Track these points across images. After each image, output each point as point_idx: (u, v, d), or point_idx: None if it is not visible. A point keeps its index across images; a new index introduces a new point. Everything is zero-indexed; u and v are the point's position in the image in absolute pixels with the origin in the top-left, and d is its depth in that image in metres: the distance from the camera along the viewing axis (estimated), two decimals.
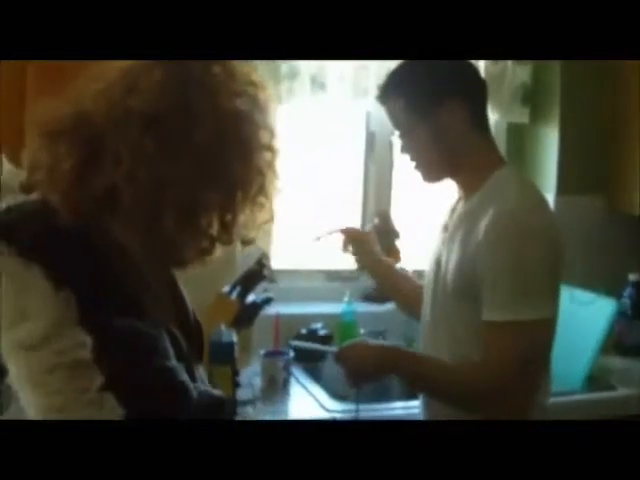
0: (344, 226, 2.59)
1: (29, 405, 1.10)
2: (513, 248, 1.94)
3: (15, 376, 1.11)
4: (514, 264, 1.94)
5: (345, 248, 2.55)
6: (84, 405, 1.08)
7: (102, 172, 1.20)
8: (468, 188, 2.13)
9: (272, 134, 1.31)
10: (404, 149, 2.18)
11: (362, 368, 2.14)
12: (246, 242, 1.37)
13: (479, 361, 1.99)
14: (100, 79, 1.27)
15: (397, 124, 2.17)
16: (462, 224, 2.08)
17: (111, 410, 1.08)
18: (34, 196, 1.28)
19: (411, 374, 2.13)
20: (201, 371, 1.37)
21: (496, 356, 1.96)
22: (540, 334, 1.99)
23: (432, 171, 2.17)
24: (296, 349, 2.74)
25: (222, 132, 1.24)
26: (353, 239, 2.55)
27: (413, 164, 2.18)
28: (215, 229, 1.29)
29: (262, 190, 1.30)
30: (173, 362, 1.18)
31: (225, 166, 1.26)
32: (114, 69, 1.27)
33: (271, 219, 1.37)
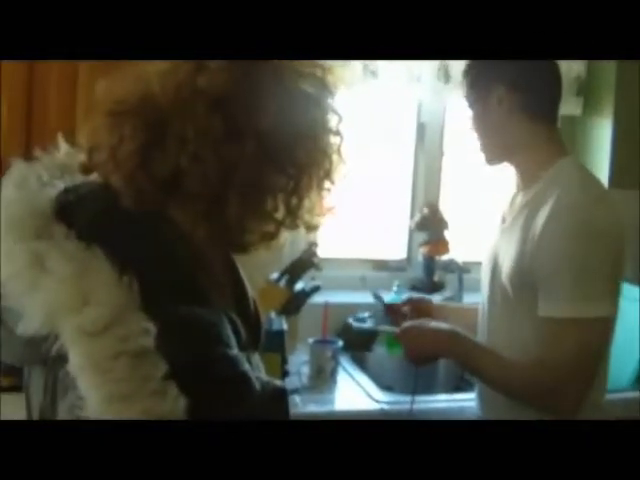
0: (414, 298, 2.62)
1: (90, 394, 1.06)
2: (576, 243, 1.91)
3: (76, 363, 1.07)
4: (577, 259, 1.91)
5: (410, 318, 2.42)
6: (148, 394, 1.05)
7: (167, 154, 1.19)
8: (527, 178, 2.11)
9: (339, 118, 1.29)
10: (471, 126, 2.20)
11: (421, 348, 2.17)
12: (311, 228, 1.33)
13: (538, 357, 1.97)
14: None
15: (466, 101, 2.21)
16: (521, 215, 2.06)
17: (174, 400, 1.05)
18: (93, 177, 1.28)
19: (469, 361, 2.12)
20: (257, 360, 1.36)
21: (555, 353, 1.93)
22: (600, 332, 1.96)
23: (485, 152, 2.18)
24: (352, 332, 2.76)
25: (289, 113, 1.22)
26: (418, 311, 2.49)
27: (477, 143, 2.20)
28: (280, 213, 1.26)
29: (328, 175, 1.28)
30: (235, 351, 1.15)
31: (292, 148, 1.23)
32: None
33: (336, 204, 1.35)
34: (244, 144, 1.19)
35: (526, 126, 2.11)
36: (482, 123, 2.15)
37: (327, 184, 1.29)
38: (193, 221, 1.22)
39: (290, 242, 2.11)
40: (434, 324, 2.20)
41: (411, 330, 2.21)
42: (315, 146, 1.26)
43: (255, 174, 1.21)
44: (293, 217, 1.28)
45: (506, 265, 2.06)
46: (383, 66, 3.21)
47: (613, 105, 3.44)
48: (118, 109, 1.23)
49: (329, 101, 1.28)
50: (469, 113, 2.18)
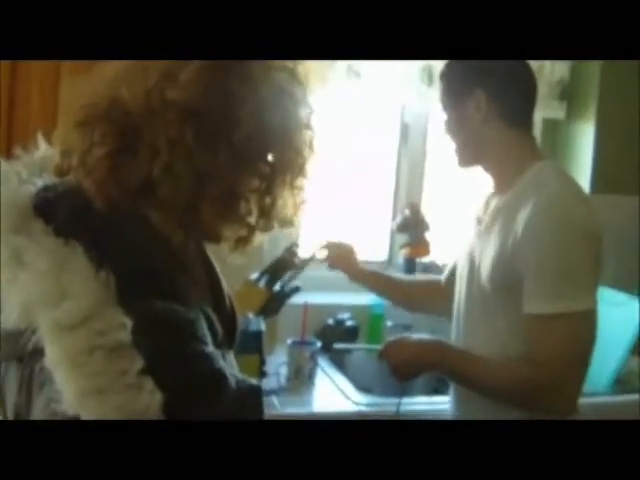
0: (327, 242, 2.74)
1: (66, 387, 1.06)
2: (556, 240, 1.93)
3: (53, 357, 1.07)
4: (557, 256, 1.93)
5: (330, 265, 2.74)
6: (123, 388, 1.05)
7: (139, 163, 1.18)
8: (503, 181, 2.12)
9: (311, 111, 1.26)
10: (444, 129, 2.21)
11: (406, 364, 2.14)
12: (285, 225, 1.31)
13: (526, 357, 1.96)
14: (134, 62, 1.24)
15: (441, 104, 2.22)
16: (499, 217, 2.07)
17: (150, 394, 1.05)
18: (69, 177, 1.26)
19: (455, 370, 2.11)
20: (232, 358, 1.35)
21: (546, 350, 1.93)
22: (588, 325, 1.96)
23: (458, 155, 2.19)
24: (328, 343, 2.77)
25: (261, 115, 1.20)
26: (337, 254, 2.71)
27: (451, 146, 2.21)
28: (254, 216, 1.25)
29: (301, 171, 1.27)
30: (211, 348, 1.15)
31: (264, 150, 1.23)
32: None
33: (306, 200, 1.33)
34: (217, 153, 1.19)
35: (502, 133, 2.12)
36: (457, 127, 2.16)
37: (300, 181, 1.28)
38: (168, 225, 1.21)
39: (270, 241, 2.11)
40: (417, 337, 2.20)
41: (394, 346, 2.20)
42: (289, 143, 1.25)
43: (228, 181, 1.21)
44: (267, 218, 1.27)
45: (485, 266, 2.06)
46: (367, 67, 3.21)
47: (596, 109, 3.44)
48: (88, 113, 1.21)
49: (300, 94, 1.25)
50: (444, 116, 2.19)
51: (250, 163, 1.22)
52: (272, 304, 2.71)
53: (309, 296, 2.96)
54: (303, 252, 2.81)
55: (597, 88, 3.44)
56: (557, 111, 3.51)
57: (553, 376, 1.93)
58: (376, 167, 3.60)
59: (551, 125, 3.59)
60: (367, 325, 3.19)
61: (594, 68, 3.44)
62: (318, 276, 3.13)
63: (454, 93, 2.15)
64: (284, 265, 2.70)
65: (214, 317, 1.24)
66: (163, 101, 1.18)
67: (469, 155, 2.17)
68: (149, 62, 1.22)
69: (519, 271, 1.96)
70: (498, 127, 2.11)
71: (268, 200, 1.25)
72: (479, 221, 2.20)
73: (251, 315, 2.47)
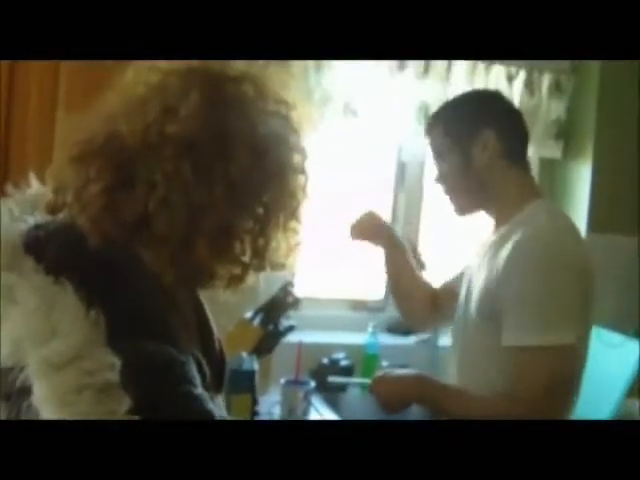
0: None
1: None
2: (535, 272, 1.93)
3: (41, 395, 1.07)
4: (536, 288, 1.93)
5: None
6: None
7: (134, 197, 1.18)
8: (500, 219, 2.12)
9: (305, 156, 1.28)
10: (439, 178, 2.20)
11: (392, 398, 2.16)
12: (277, 268, 1.33)
13: (508, 390, 1.96)
14: (131, 96, 1.24)
15: (435, 151, 2.20)
16: (489, 253, 2.08)
17: None
18: (61, 216, 1.27)
19: (437, 405, 2.11)
20: (220, 401, 1.35)
21: (525, 384, 1.92)
22: (568, 360, 1.96)
23: (463, 202, 2.18)
24: (323, 382, 2.74)
25: (257, 155, 1.22)
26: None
27: (447, 196, 2.19)
28: (247, 256, 1.26)
29: (295, 214, 1.28)
30: (200, 390, 1.15)
31: (259, 190, 1.24)
32: (145, 86, 1.25)
33: (302, 243, 1.34)
34: (214, 188, 1.19)
35: (505, 172, 2.13)
36: (461, 172, 2.14)
37: (294, 224, 1.29)
38: (161, 263, 1.21)
39: (265, 280, 2.10)
40: (400, 372, 2.23)
41: (380, 381, 2.22)
42: (282, 187, 1.26)
43: (224, 217, 1.21)
44: (260, 259, 1.28)
45: (474, 299, 2.08)
46: (363, 105, 3.22)
47: (592, 149, 3.45)
48: (84, 149, 1.23)
49: (295, 138, 1.27)
50: (441, 163, 2.18)
51: (245, 201, 1.23)
52: (266, 343, 2.70)
53: (304, 335, 2.94)
54: (298, 291, 2.80)
55: (593, 127, 3.45)
56: (554, 150, 3.52)
57: (532, 411, 1.91)
58: (373, 206, 3.59)
59: (548, 164, 3.59)
60: (362, 365, 3.17)
61: (590, 107, 3.45)
62: (313, 315, 3.13)
63: (457, 135, 2.13)
64: (278, 304, 2.69)
65: (203, 360, 1.24)
66: (162, 136, 1.19)
67: (472, 201, 2.17)
68: (147, 97, 1.23)
69: (501, 302, 1.97)
70: (502, 167, 2.12)
71: (261, 241, 1.26)
72: (477, 255, 2.20)
73: (244, 354, 2.45)
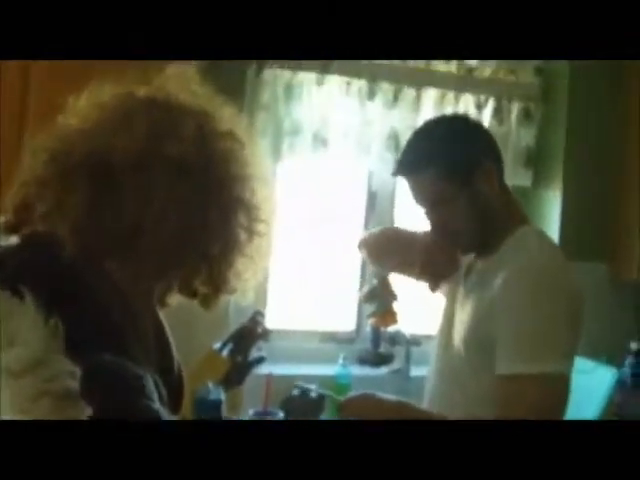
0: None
1: None
2: (532, 301, 1.91)
3: (1, 403, 1.07)
4: (533, 316, 1.91)
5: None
6: None
7: (121, 211, 1.22)
8: (487, 246, 2.09)
9: (254, 190, 1.33)
10: (437, 223, 2.09)
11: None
12: (231, 292, 1.38)
13: (493, 418, 1.91)
14: (112, 112, 1.27)
15: (427, 197, 2.07)
16: (479, 282, 2.06)
17: None
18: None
19: None
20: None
21: (517, 412, 1.87)
22: (561, 389, 1.93)
23: (470, 240, 2.10)
24: (295, 399, 2.71)
25: (210, 188, 1.27)
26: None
27: (450, 241, 2.12)
28: (203, 278, 1.32)
29: (250, 242, 1.33)
30: (158, 405, 1.17)
31: (245, 214, 1.30)
32: (130, 99, 1.27)
33: (258, 272, 1.39)
34: (207, 211, 1.25)
35: (502, 199, 2.10)
36: (464, 212, 2.05)
37: (250, 250, 1.34)
38: (132, 278, 1.26)
39: (235, 310, 2.10)
40: (380, 396, 2.16)
41: (355, 401, 2.17)
42: (235, 219, 1.31)
43: (193, 242, 1.27)
44: (215, 283, 1.34)
45: (461, 330, 2.05)
46: (333, 135, 3.21)
47: (562, 176, 3.45)
48: (65, 162, 1.25)
49: (251, 172, 1.32)
50: (438, 210, 2.07)
51: (214, 226, 1.27)
52: (235, 374, 2.65)
53: (274, 367, 2.91)
54: (268, 322, 2.78)
55: (562, 155, 3.45)
56: (524, 178, 3.52)
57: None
58: (343, 236, 3.58)
59: (518, 192, 3.58)
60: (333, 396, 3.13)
61: (559, 134, 3.47)
62: (283, 347, 3.10)
63: (455, 175, 2.04)
64: (248, 334, 2.65)
65: (159, 380, 1.25)
66: (158, 155, 1.23)
67: (476, 235, 2.09)
68: (132, 114, 1.26)
69: (493, 333, 1.94)
70: (499, 194, 2.09)
71: (220, 266, 1.32)
72: (458, 285, 2.17)
73: (210, 384, 2.41)
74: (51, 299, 1.14)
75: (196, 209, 1.24)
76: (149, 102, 1.27)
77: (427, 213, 2.10)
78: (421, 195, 2.08)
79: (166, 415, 1.17)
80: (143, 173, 1.22)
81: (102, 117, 1.27)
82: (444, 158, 2.04)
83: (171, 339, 1.44)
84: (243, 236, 1.31)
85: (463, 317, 2.06)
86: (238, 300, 1.43)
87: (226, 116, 1.33)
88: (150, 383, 1.19)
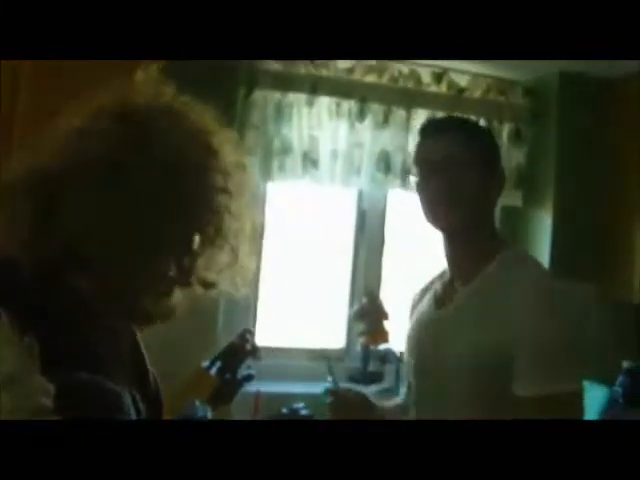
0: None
1: None
2: (553, 319, 1.88)
3: None
4: (554, 335, 1.87)
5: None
6: None
7: (60, 224, 1.20)
8: (469, 265, 2.07)
9: (226, 176, 1.31)
10: (440, 187, 2.03)
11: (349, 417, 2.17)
12: (207, 286, 1.35)
13: None
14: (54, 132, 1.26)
15: (446, 157, 2.03)
16: (474, 302, 2.02)
17: None
18: None
19: None
20: None
21: None
22: (580, 408, 1.92)
23: (463, 214, 2.03)
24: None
25: (174, 179, 1.24)
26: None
27: (443, 205, 2.03)
28: (173, 272, 1.29)
29: (219, 232, 1.30)
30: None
31: (181, 210, 1.26)
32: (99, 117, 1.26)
33: (234, 262, 1.35)
34: (138, 210, 1.22)
35: (493, 213, 2.10)
36: (471, 179, 2.02)
37: (220, 241, 1.31)
38: (91, 289, 1.23)
39: (224, 328, 2.09)
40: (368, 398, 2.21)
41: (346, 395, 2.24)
42: (203, 206, 1.29)
43: (148, 238, 1.23)
44: (186, 276, 1.30)
45: (463, 352, 1.99)
46: (323, 156, 3.23)
47: (553, 196, 3.47)
48: (9, 183, 1.24)
49: (214, 162, 1.30)
50: (446, 173, 2.02)
51: (167, 220, 1.25)
52: (223, 392, 2.66)
53: (263, 385, 2.92)
54: (257, 340, 2.78)
55: (553, 174, 3.47)
56: (514, 198, 3.54)
57: None
58: (333, 254, 3.59)
59: (509, 212, 3.60)
60: (322, 414, 3.13)
61: (550, 155, 3.49)
62: (272, 365, 3.10)
63: (482, 150, 2.06)
64: (236, 352, 2.66)
65: (137, 395, 1.25)
66: (86, 164, 1.20)
67: (471, 216, 2.03)
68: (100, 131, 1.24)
69: (509, 354, 1.91)
70: (492, 204, 2.08)
71: (186, 259, 1.29)
72: (437, 305, 2.15)
73: (197, 402, 2.42)
74: (25, 317, 1.13)
75: (156, 204, 1.23)
76: (118, 117, 1.27)
77: (430, 178, 2.05)
78: (440, 154, 2.04)
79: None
80: (75, 183, 1.21)
81: (71, 139, 1.26)
82: (476, 136, 2.09)
83: (144, 351, 1.44)
84: (211, 226, 1.30)
85: (462, 339, 2.02)
86: (223, 294, 1.40)
87: (195, 111, 1.32)
88: (127, 399, 1.19)
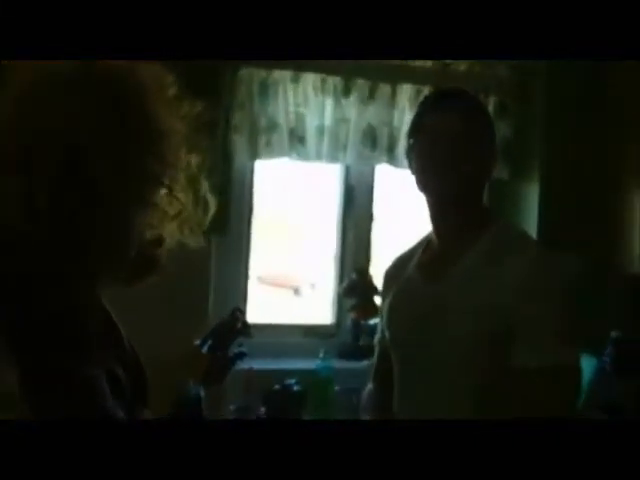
0: None
1: None
2: (555, 291, 1.96)
3: None
4: (555, 308, 1.93)
5: None
6: None
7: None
8: (466, 234, 2.08)
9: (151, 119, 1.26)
10: (443, 158, 2.03)
11: None
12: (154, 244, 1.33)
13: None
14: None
15: (456, 128, 2.04)
16: (470, 275, 2.03)
17: None
18: None
19: None
20: (146, 415, 1.34)
21: (538, 403, 1.90)
22: (580, 377, 1.98)
23: (465, 186, 2.06)
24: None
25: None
26: None
27: (446, 175, 2.04)
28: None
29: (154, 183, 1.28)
30: (110, 403, 1.15)
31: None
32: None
33: (177, 213, 1.33)
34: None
35: (489, 173, 2.13)
36: (476, 152, 2.04)
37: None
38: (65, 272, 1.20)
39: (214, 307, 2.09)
40: None
41: None
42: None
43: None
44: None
45: (462, 324, 2.00)
46: (310, 132, 3.23)
47: (538, 168, 3.47)
48: None
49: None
50: (452, 144, 2.03)
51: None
52: (215, 370, 2.67)
53: (255, 362, 2.93)
54: (249, 317, 2.79)
55: (539, 147, 3.48)
56: (501, 171, 3.53)
57: None
58: (320, 231, 3.60)
59: (497, 185, 3.59)
60: (314, 390, 3.15)
61: (536, 127, 3.49)
62: (264, 342, 3.11)
63: (488, 123, 2.14)
64: (227, 329, 2.66)
65: (120, 371, 1.24)
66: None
67: (468, 186, 2.07)
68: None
69: (506, 325, 1.93)
70: (487, 181, 2.15)
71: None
72: (427, 278, 2.15)
73: (191, 382, 2.43)
74: None
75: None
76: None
77: (434, 146, 2.05)
78: (447, 124, 2.05)
79: (121, 413, 1.16)
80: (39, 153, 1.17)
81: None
82: (479, 109, 2.17)
83: (122, 330, 1.40)
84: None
85: (461, 312, 2.01)
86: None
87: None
88: (102, 382, 1.17)
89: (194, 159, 1.34)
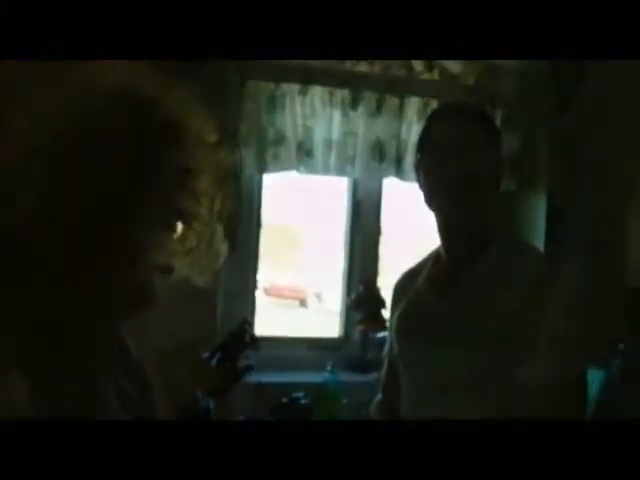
0: None
1: None
2: (569, 303, 1.95)
3: None
4: (563, 321, 1.91)
5: None
6: None
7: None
8: (475, 247, 2.08)
9: (188, 153, 1.22)
10: (456, 167, 2.01)
11: None
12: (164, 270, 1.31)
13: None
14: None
15: (467, 136, 2.05)
16: (478, 286, 2.04)
17: None
18: None
19: None
20: None
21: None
22: (585, 385, 2.02)
23: (468, 201, 2.03)
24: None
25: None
26: None
27: (459, 184, 2.01)
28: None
29: (180, 215, 1.24)
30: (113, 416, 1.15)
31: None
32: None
33: (195, 246, 1.29)
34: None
35: (499, 186, 2.13)
36: (485, 157, 2.05)
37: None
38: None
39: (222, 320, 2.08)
40: None
41: None
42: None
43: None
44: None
45: (477, 332, 1.99)
46: (317, 145, 3.23)
47: (546, 179, 3.47)
48: None
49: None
50: (463, 152, 2.03)
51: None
52: (224, 383, 2.67)
53: (262, 375, 2.93)
54: (256, 329, 2.79)
55: (546, 158, 3.48)
56: (508, 183, 3.52)
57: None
58: (328, 244, 3.61)
59: (504, 197, 3.59)
60: (321, 403, 3.15)
61: (543, 138, 3.49)
62: (271, 355, 3.11)
63: (496, 149, 2.12)
64: (235, 342, 2.67)
65: (128, 384, 1.24)
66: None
67: (480, 196, 2.05)
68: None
69: (517, 337, 1.90)
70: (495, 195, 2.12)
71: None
72: (438, 291, 2.15)
73: (199, 394, 2.43)
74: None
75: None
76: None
77: (446, 162, 2.03)
78: (457, 138, 2.05)
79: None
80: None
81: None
82: (489, 122, 2.16)
83: (130, 343, 1.38)
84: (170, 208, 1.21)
85: (466, 325, 2.02)
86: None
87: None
88: (107, 394, 1.18)
89: (217, 203, 1.33)
